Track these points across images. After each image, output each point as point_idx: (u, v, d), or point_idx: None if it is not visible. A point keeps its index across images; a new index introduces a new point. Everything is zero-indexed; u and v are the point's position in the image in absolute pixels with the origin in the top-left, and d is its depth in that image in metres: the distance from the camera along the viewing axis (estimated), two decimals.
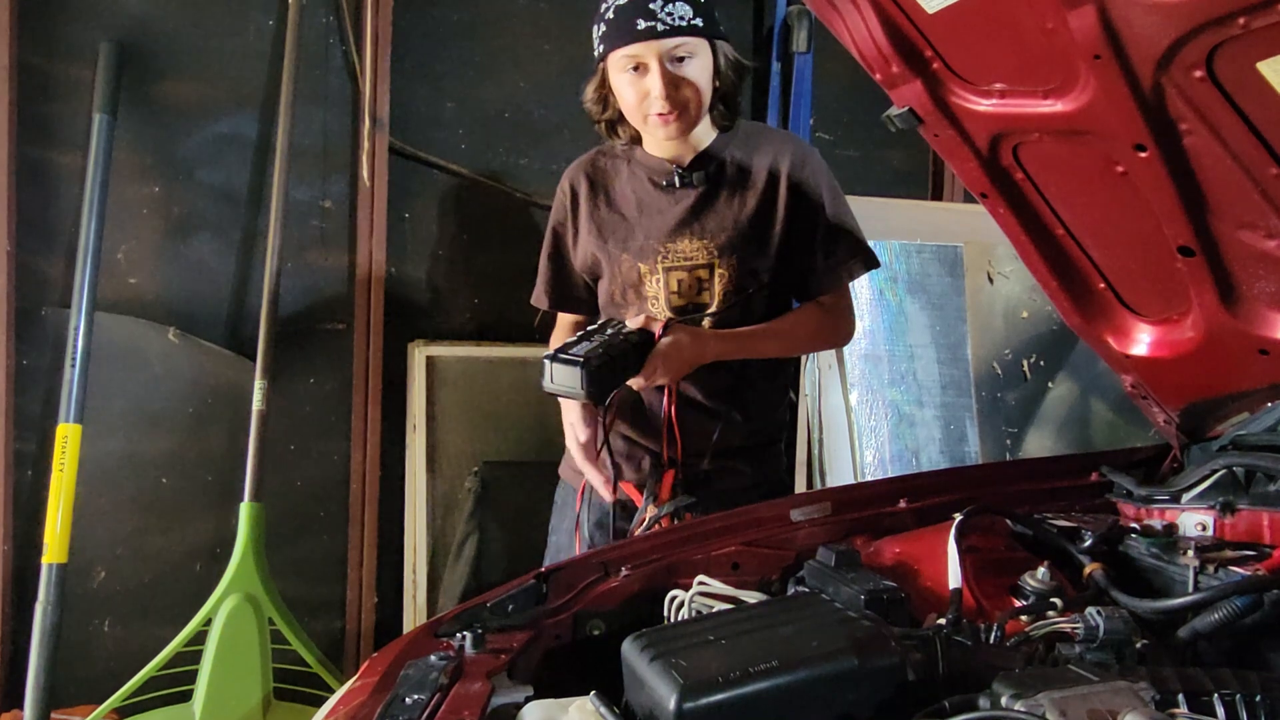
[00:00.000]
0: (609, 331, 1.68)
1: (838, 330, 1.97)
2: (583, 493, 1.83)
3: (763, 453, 1.92)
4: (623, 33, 1.72)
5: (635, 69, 1.74)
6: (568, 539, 1.89)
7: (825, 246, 1.88)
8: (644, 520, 1.68)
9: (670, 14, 1.71)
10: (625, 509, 1.83)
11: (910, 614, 1.17)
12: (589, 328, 1.71)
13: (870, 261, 1.92)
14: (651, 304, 1.86)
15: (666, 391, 1.78)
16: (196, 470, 2.69)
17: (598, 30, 1.78)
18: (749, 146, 1.88)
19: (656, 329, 1.72)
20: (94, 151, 2.49)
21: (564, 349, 1.63)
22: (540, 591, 1.32)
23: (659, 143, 1.85)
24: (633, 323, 1.71)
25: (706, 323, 1.84)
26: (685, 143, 1.84)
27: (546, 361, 1.62)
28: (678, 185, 1.83)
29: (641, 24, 1.70)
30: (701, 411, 1.83)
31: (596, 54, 1.80)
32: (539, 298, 2.02)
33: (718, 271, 1.83)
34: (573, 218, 1.94)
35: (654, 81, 1.72)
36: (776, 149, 1.87)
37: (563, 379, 1.61)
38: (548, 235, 1.99)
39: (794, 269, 1.88)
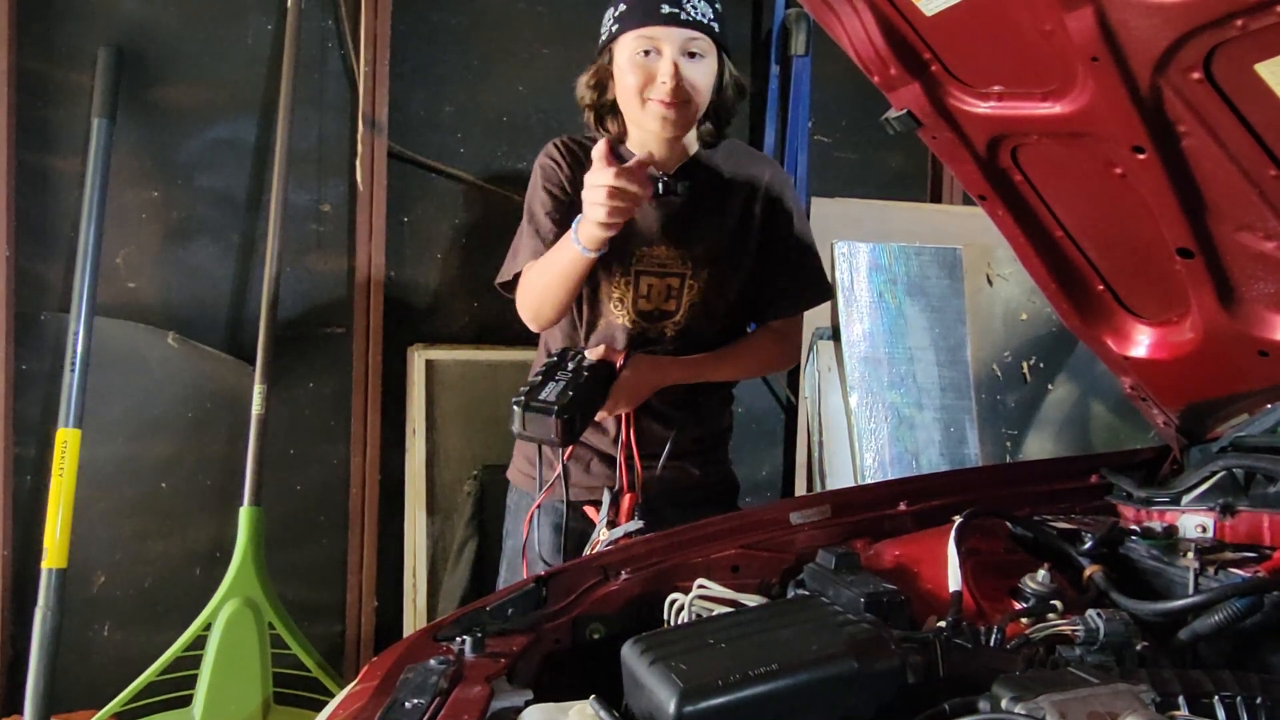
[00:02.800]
0: (571, 367, 1.69)
1: (786, 355, 2.03)
2: (531, 519, 1.82)
3: (710, 455, 1.97)
4: (645, 13, 1.74)
5: (647, 53, 1.75)
6: (523, 542, 1.89)
7: (789, 272, 1.93)
8: (596, 544, 1.68)
9: (695, 7, 1.74)
10: (578, 512, 1.84)
11: (910, 617, 1.17)
12: (549, 362, 1.71)
13: (827, 293, 2.03)
14: (615, 305, 1.87)
15: (624, 418, 1.80)
16: (196, 475, 2.69)
17: (614, 11, 1.79)
18: (731, 164, 1.91)
19: (618, 360, 1.75)
20: (93, 156, 2.49)
21: (531, 394, 1.61)
22: (540, 595, 1.32)
23: (648, 137, 1.84)
24: (593, 354, 1.73)
25: (670, 331, 1.87)
26: (671, 149, 1.84)
27: (516, 409, 1.60)
28: (661, 192, 1.84)
29: (665, 9, 1.72)
30: (657, 417, 1.87)
31: (607, 34, 1.80)
32: (528, 266, 1.86)
33: (688, 282, 1.86)
34: (570, 185, 1.86)
35: (665, 66, 1.73)
36: (757, 171, 1.92)
37: (535, 428, 1.60)
38: (539, 199, 1.87)
39: (758, 290, 1.93)
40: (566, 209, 1.82)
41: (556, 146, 1.92)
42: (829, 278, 3.12)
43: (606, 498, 1.76)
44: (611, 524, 1.72)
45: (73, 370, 2.47)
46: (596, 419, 1.79)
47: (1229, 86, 0.99)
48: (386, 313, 2.79)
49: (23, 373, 2.56)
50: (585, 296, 1.88)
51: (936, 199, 3.36)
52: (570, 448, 1.80)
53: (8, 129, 2.47)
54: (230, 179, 2.69)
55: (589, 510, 1.81)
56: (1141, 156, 1.11)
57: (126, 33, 2.58)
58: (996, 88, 1.20)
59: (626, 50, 1.77)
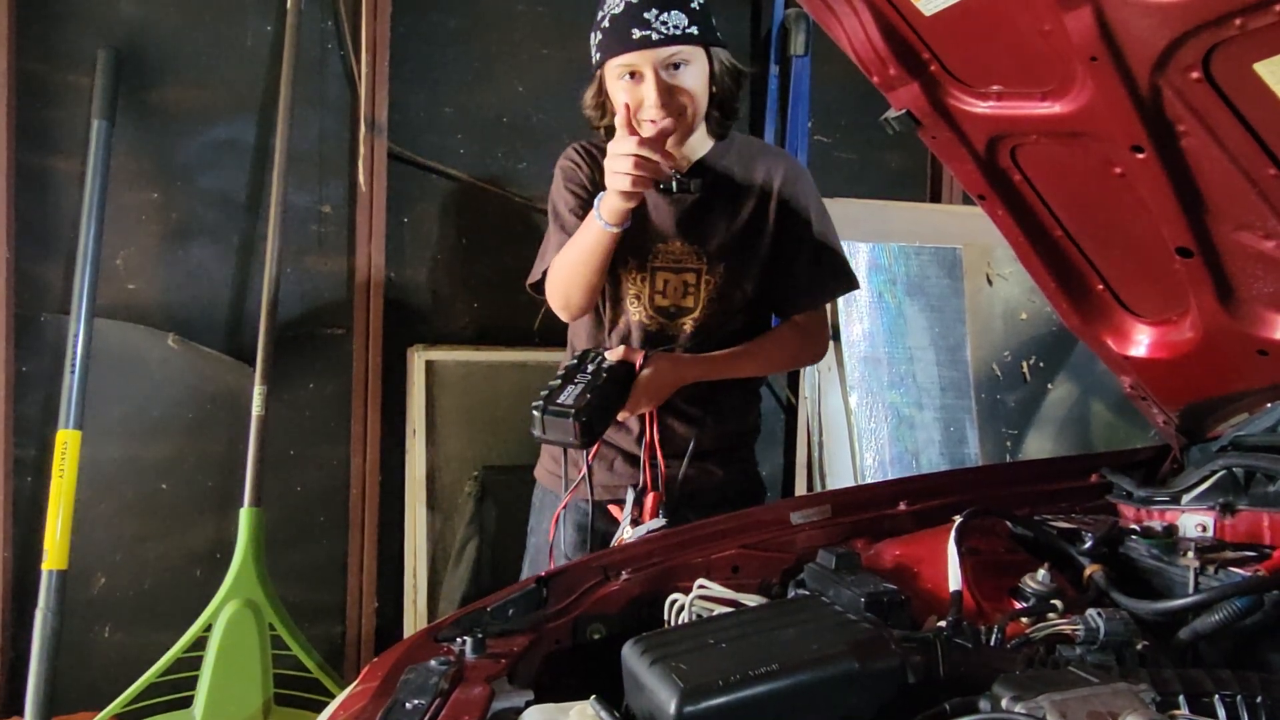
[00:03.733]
0: (590, 369, 1.70)
1: (811, 350, 2.01)
2: (557, 520, 1.84)
3: (734, 454, 1.96)
4: (618, 42, 1.73)
5: (631, 76, 1.75)
6: (546, 540, 1.90)
7: (809, 265, 1.91)
8: (620, 542, 1.68)
9: (665, 23, 1.71)
10: (602, 511, 1.85)
11: (910, 616, 1.17)
12: (570, 365, 1.72)
13: (851, 283, 1.97)
14: (633, 302, 1.87)
15: (647, 417, 1.80)
16: (196, 476, 2.69)
17: (595, 38, 1.79)
18: (744, 159, 1.90)
19: (637, 359, 1.75)
20: (92, 157, 2.49)
21: (550, 397, 1.63)
22: (540, 596, 1.32)
23: None
24: (612, 355, 1.74)
25: (688, 326, 1.87)
26: (681, 149, 1.85)
27: (536, 413, 1.63)
28: (675, 190, 1.84)
29: (636, 33, 1.71)
30: (679, 416, 1.87)
31: (594, 61, 1.81)
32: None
33: (705, 277, 1.86)
34: (590, 185, 1.89)
35: (648, 90, 1.73)
36: (770, 164, 1.90)
37: (555, 431, 1.62)
38: (563, 199, 1.91)
39: (777, 284, 1.92)
40: (590, 206, 1.83)
41: (575, 150, 1.94)
42: None
43: (630, 496, 1.77)
44: (635, 522, 1.72)
45: (73, 372, 2.47)
46: (618, 419, 1.78)
47: (1228, 86, 0.99)
48: (386, 313, 2.79)
49: (23, 374, 2.56)
50: (607, 294, 1.89)
51: (936, 199, 3.36)
52: (595, 447, 1.81)
53: (7, 130, 2.47)
54: (230, 180, 2.69)
55: (613, 509, 1.82)
56: (1140, 156, 1.11)
57: (126, 34, 2.58)
58: (996, 87, 1.20)
59: (612, 76, 1.78)
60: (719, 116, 1.86)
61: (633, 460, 1.86)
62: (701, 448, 1.85)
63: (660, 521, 1.68)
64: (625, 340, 1.87)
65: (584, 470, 1.81)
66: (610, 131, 1.88)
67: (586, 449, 1.76)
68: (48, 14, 2.53)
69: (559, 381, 1.67)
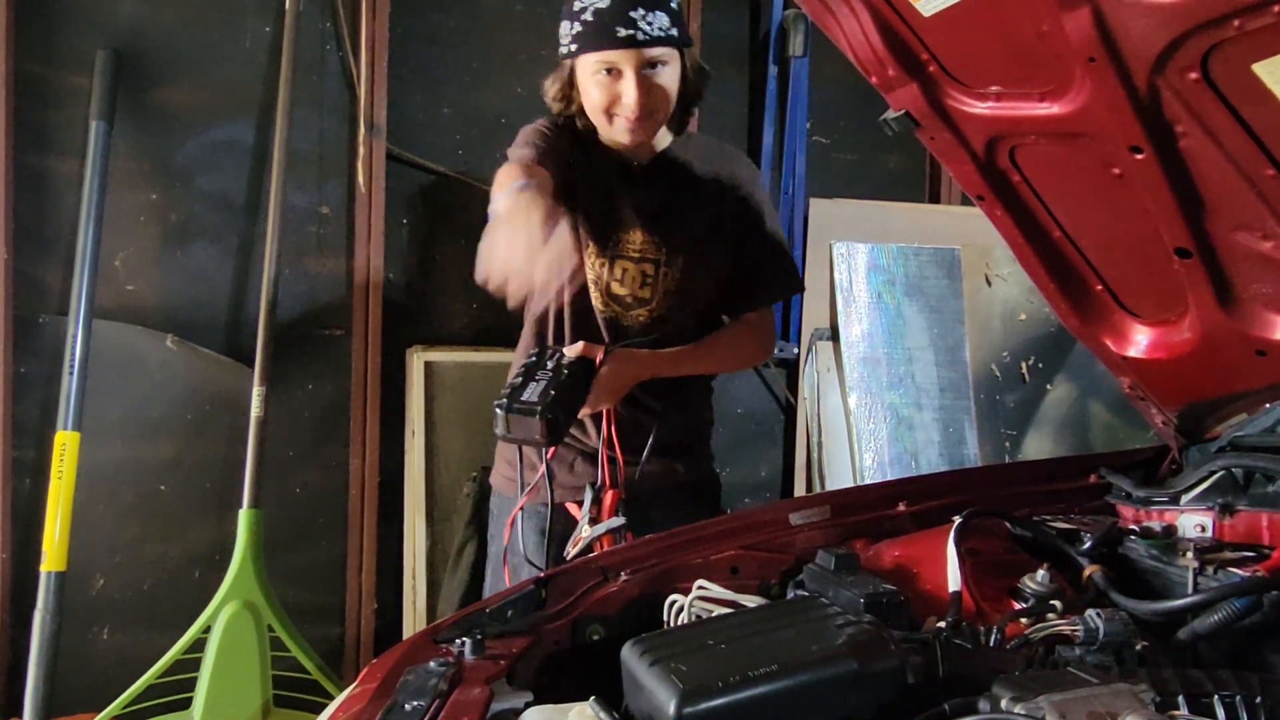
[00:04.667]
0: (550, 366, 1.68)
1: (761, 347, 2.05)
2: (512, 522, 1.82)
3: (694, 450, 1.98)
4: (601, 37, 1.72)
5: (608, 73, 1.74)
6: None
7: (762, 265, 1.94)
8: (579, 541, 1.67)
9: (650, 24, 1.71)
10: (561, 511, 1.84)
11: (910, 617, 1.17)
12: (528, 362, 1.71)
13: (799, 284, 2.05)
14: (590, 286, 1.87)
15: (605, 414, 1.79)
16: (195, 477, 2.69)
17: (570, 27, 1.77)
18: (704, 157, 1.92)
19: (596, 355, 1.74)
20: (91, 159, 2.49)
21: (513, 395, 1.60)
22: (539, 597, 1.32)
23: (618, 141, 1.85)
24: (570, 351, 1.73)
25: (642, 317, 1.87)
26: (641, 147, 1.86)
27: (499, 411, 1.59)
28: (639, 182, 1.85)
29: (622, 32, 1.70)
30: (641, 410, 1.86)
31: (565, 50, 1.79)
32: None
33: (663, 269, 1.87)
34: (556, 156, 1.83)
35: (628, 88, 1.73)
36: (729, 164, 1.94)
37: (520, 429, 1.59)
38: (522, 138, 1.85)
39: (731, 281, 1.93)
40: (545, 155, 1.79)
41: (546, 121, 1.90)
42: (829, 278, 3.13)
43: (588, 494, 1.75)
44: (594, 521, 1.71)
45: (71, 373, 2.47)
46: (579, 416, 1.77)
47: (1226, 86, 0.99)
48: (385, 314, 2.79)
49: (22, 375, 2.56)
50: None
51: (935, 199, 3.36)
52: (553, 449, 1.79)
53: (6, 131, 2.47)
54: (229, 181, 2.69)
55: (572, 508, 1.81)
56: (1139, 157, 1.12)
57: (125, 35, 2.58)
58: (994, 88, 1.20)
59: (586, 69, 1.77)
60: (680, 113, 1.87)
61: (593, 459, 1.85)
62: (661, 442, 1.85)
63: (619, 520, 1.66)
64: (580, 324, 1.86)
65: (542, 471, 1.79)
66: (570, 120, 1.86)
67: (552, 446, 1.74)
68: (47, 14, 2.52)
69: (520, 379, 1.65)
